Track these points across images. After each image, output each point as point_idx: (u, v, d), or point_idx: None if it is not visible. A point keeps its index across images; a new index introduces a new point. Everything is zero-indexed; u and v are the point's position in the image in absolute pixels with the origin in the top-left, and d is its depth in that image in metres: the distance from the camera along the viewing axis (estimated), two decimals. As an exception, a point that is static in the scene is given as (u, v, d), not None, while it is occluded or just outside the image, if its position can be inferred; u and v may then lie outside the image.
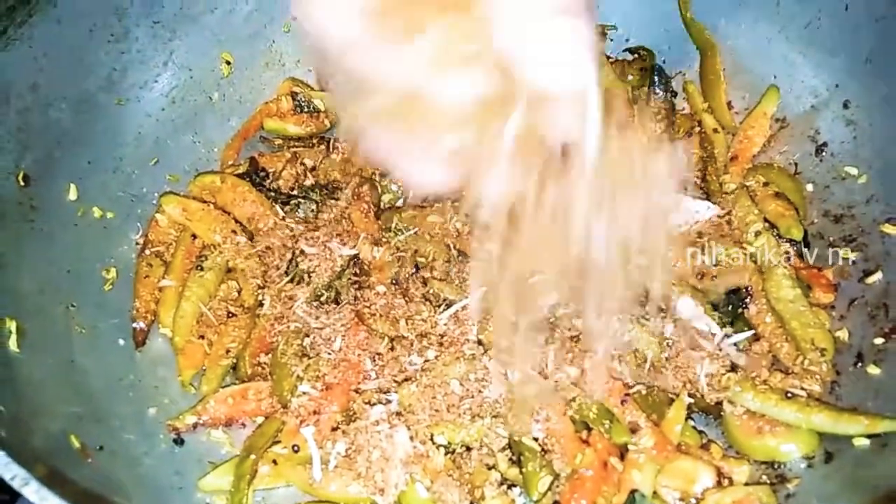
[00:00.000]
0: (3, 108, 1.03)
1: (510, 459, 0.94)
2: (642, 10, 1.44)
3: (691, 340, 1.06)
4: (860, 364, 1.02)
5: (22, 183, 1.05)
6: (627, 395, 0.97)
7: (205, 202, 1.24)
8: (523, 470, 0.92)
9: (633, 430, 0.95)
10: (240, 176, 1.30)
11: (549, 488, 0.91)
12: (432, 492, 0.92)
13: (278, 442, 1.01)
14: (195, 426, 1.05)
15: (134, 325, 1.14)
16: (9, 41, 1.04)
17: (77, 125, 1.17)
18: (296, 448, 0.96)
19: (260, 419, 1.06)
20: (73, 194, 1.15)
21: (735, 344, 1.07)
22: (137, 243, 1.22)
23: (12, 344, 0.92)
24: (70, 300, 1.07)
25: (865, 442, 0.93)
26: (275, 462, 0.99)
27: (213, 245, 1.18)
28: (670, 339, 1.06)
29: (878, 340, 1.03)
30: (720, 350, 1.06)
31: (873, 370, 1.01)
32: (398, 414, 0.99)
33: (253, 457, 0.97)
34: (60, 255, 1.10)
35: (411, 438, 0.95)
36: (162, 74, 1.31)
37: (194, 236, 1.21)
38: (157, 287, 1.17)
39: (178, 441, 1.03)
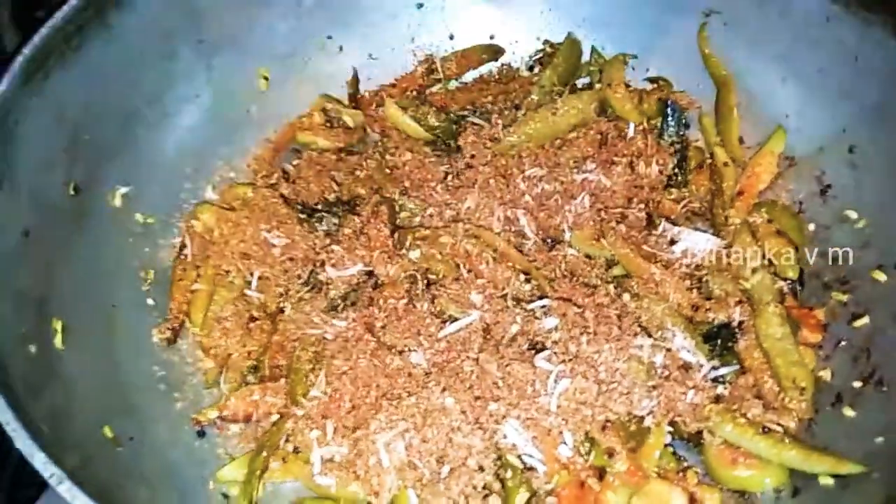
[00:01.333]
0: (57, 126, 1.13)
1: (495, 473, 1.02)
2: (664, 42, 1.49)
3: (679, 371, 1.12)
4: (838, 405, 1.08)
5: (73, 192, 1.16)
6: (609, 421, 1.04)
7: (236, 210, 1.35)
8: (504, 485, 1.00)
9: (610, 454, 1.02)
10: (271, 186, 1.40)
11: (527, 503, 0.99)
12: (422, 499, 1.00)
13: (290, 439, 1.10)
14: (217, 421, 1.15)
15: (167, 324, 1.24)
16: (66, 64, 1.14)
17: (123, 138, 1.28)
18: (297, 450, 1.06)
19: (275, 417, 1.16)
20: (117, 201, 1.26)
21: (720, 377, 1.13)
22: (174, 247, 1.33)
23: (58, 342, 1.03)
24: (111, 300, 1.19)
25: (830, 481, 0.99)
26: (284, 459, 1.09)
27: (241, 253, 1.28)
28: (658, 368, 1.12)
29: (857, 384, 1.08)
30: (706, 382, 1.12)
31: (849, 412, 1.06)
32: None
33: (265, 454, 1.07)
34: (104, 258, 1.21)
35: (406, 449, 1.03)
36: (203, 89, 1.40)
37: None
38: (189, 290, 1.27)
39: (201, 434, 1.14)
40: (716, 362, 1.14)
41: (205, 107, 1.41)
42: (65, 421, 0.94)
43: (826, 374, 1.12)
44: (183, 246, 1.32)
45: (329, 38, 1.53)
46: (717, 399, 1.11)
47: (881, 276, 1.14)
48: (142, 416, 1.10)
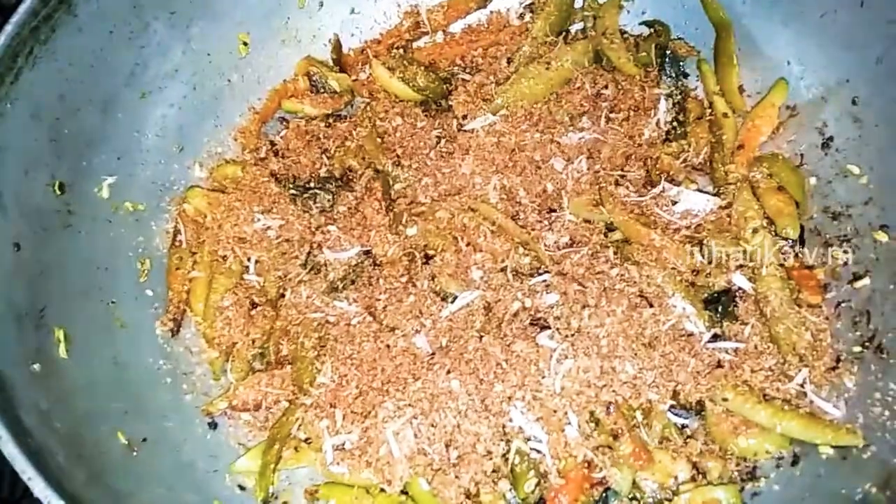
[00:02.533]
0: (35, 124, 1.09)
1: (503, 457, 1.05)
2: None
3: (680, 340, 1.13)
4: (836, 370, 1.09)
5: (58, 192, 1.13)
6: (611, 403, 1.05)
7: (227, 192, 1.32)
8: (514, 470, 1.03)
9: (615, 436, 1.04)
10: (260, 162, 1.37)
11: (535, 488, 1.02)
12: (433, 487, 1.03)
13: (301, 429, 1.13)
14: (227, 411, 1.17)
15: (168, 315, 1.24)
16: (35, 60, 1.09)
17: (104, 124, 1.24)
18: (308, 439, 1.08)
19: (284, 404, 1.18)
20: (105, 193, 1.23)
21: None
22: (168, 233, 1.31)
23: (61, 352, 1.04)
24: (110, 297, 1.18)
25: (830, 451, 1.02)
26: (296, 448, 1.12)
27: (236, 238, 1.27)
28: (661, 338, 1.13)
29: (856, 349, 1.09)
30: (706, 350, 1.13)
31: (848, 379, 1.07)
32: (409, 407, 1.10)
33: (277, 445, 1.09)
34: (98, 254, 1.19)
35: (415, 436, 1.06)
36: (182, 63, 1.34)
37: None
38: (187, 278, 1.27)
39: (212, 425, 1.17)
40: (717, 329, 1.15)
41: (184, 81, 1.36)
42: (78, 438, 0.95)
43: (825, 338, 1.13)
44: (177, 233, 1.30)
45: (304, -5, 1.45)
46: (719, 365, 1.12)
47: (883, 237, 1.13)
48: (153, 414, 1.12)
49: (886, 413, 0.99)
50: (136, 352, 1.17)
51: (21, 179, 1.06)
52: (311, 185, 1.33)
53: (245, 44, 1.42)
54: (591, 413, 1.06)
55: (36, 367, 0.97)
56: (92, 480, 0.87)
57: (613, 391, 1.07)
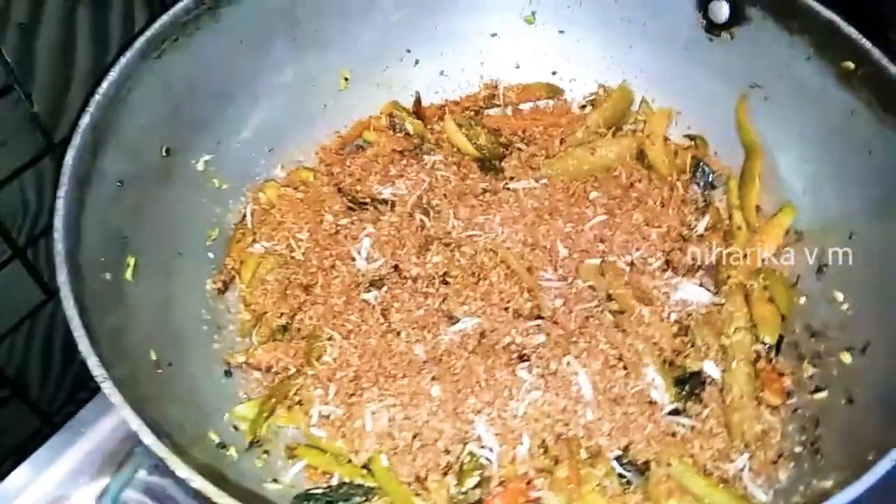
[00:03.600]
0: (162, 98, 1.36)
1: (458, 458, 1.19)
2: (707, 105, 1.59)
3: (644, 404, 1.26)
4: (775, 463, 1.19)
5: (164, 154, 1.38)
6: (563, 434, 1.19)
7: (296, 191, 1.56)
8: (462, 466, 1.17)
9: (556, 461, 1.17)
10: (331, 174, 1.60)
11: (476, 487, 1.15)
12: (391, 464, 1.19)
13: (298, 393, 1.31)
14: (242, 365, 1.37)
15: (221, 276, 1.47)
16: (177, 47, 1.36)
17: (215, 113, 1.49)
18: (300, 402, 1.26)
19: (291, 372, 1.36)
20: (200, 166, 1.48)
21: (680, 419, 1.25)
22: (240, 213, 1.55)
23: (128, 275, 1.26)
24: (179, 248, 1.41)
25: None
26: (289, 408, 1.29)
27: (291, 229, 1.49)
28: (627, 398, 1.26)
29: (798, 448, 1.19)
30: (665, 419, 1.25)
31: (783, 472, 1.17)
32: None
33: (274, 400, 1.27)
34: (180, 212, 1.43)
35: (390, 421, 1.22)
36: (290, 81, 1.61)
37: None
38: (244, 251, 1.49)
39: (228, 373, 1.36)
40: (679, 405, 1.26)
41: (288, 96, 1.61)
42: (120, 339, 1.16)
43: (775, 435, 1.23)
44: (246, 214, 1.53)
45: (408, 51, 1.71)
46: (672, 435, 1.23)
47: (847, 358, 1.24)
48: (183, 349, 1.31)
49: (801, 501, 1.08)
50: (185, 297, 1.39)
51: (139, 135, 1.31)
52: (367, 201, 1.54)
53: (346, 79, 1.68)
54: (543, 441, 1.19)
55: (107, 276, 1.19)
56: (126, 378, 1.06)
57: (568, 427, 1.20)
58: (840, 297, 1.32)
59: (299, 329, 1.41)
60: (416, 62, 1.73)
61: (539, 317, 1.36)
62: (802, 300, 1.38)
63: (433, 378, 1.27)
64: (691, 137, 1.63)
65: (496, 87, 1.75)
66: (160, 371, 1.23)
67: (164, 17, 1.33)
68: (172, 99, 1.38)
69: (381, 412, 1.22)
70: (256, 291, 1.45)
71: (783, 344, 1.34)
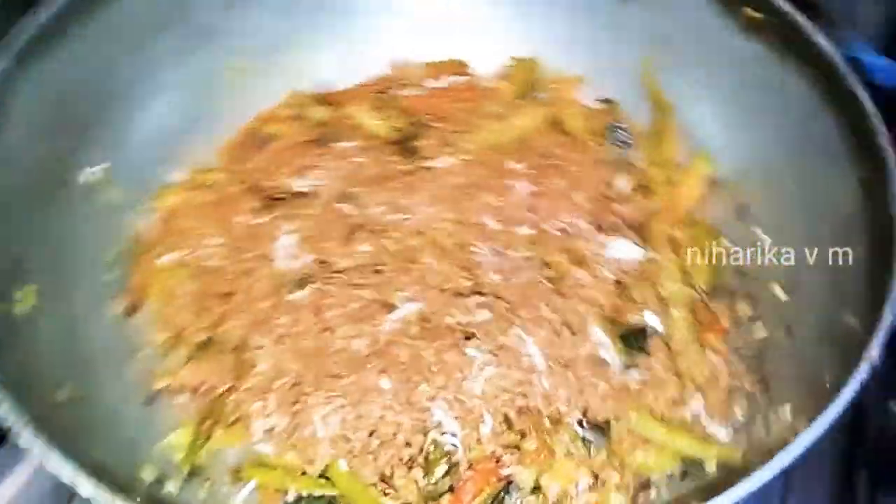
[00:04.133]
0: (42, 107, 1.21)
1: (420, 449, 1.14)
2: (615, 68, 1.59)
3: (594, 366, 1.25)
4: (727, 402, 1.20)
5: (51, 166, 1.25)
6: (524, 406, 1.16)
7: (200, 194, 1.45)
8: (427, 457, 1.12)
9: (523, 435, 1.14)
10: (236, 173, 1.50)
11: (445, 476, 1.10)
12: (351, 467, 1.11)
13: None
14: (165, 389, 1.25)
15: (127, 296, 1.34)
16: (53, 49, 1.22)
17: (100, 119, 1.36)
18: (238, 419, 1.16)
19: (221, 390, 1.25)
20: (91, 178, 1.33)
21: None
22: (140, 225, 1.42)
23: (27, 304, 1.12)
24: (78, 270, 1.27)
25: (713, 468, 1.12)
26: (227, 427, 1.19)
27: (200, 235, 1.38)
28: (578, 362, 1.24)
29: (748, 386, 1.21)
30: (617, 376, 1.24)
31: (738, 409, 1.19)
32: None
33: (209, 422, 1.17)
34: (75, 230, 1.28)
35: (342, 422, 1.14)
36: (179, 77, 1.48)
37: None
38: (150, 265, 1.37)
39: (149, 401, 1.24)
40: (627, 360, 1.26)
41: (179, 94, 1.50)
42: (27, 377, 1.03)
43: (722, 375, 1.25)
44: (147, 224, 1.41)
45: (305, 36, 1.62)
46: (626, 391, 1.23)
47: (780, 294, 1.27)
48: (96, 379, 1.18)
49: (764, 433, 1.10)
50: (92, 323, 1.25)
51: (21, 146, 1.17)
52: (281, 196, 1.45)
53: (240, 70, 1.58)
54: (505, 416, 1.16)
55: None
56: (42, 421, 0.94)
57: (527, 398, 1.17)
58: (763, 235, 1.35)
59: (224, 342, 1.30)
60: (314, 48, 1.64)
61: (478, 293, 1.33)
62: (726, 243, 1.41)
63: (380, 371, 1.21)
64: (604, 101, 1.64)
65: (403, 67, 1.69)
66: (75, 407, 1.10)
67: (37, 16, 1.19)
68: (54, 106, 1.24)
69: (330, 415, 1.15)
70: (170, 308, 1.33)
71: (716, 288, 1.36)
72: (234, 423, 1.21)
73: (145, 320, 1.33)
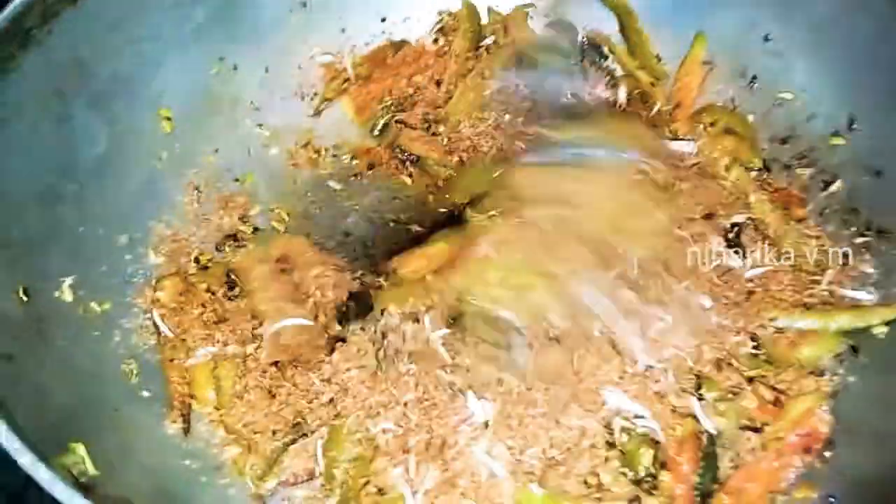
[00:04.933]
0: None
1: (608, 443, 1.00)
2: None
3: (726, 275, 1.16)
4: (848, 265, 1.16)
5: (25, 298, 0.98)
6: (721, 359, 1.06)
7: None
8: (623, 451, 0.98)
9: (735, 393, 1.04)
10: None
11: (653, 461, 0.98)
12: (549, 489, 0.96)
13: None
14: (278, 488, 1.03)
15: (176, 412, 1.08)
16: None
17: (46, 221, 1.10)
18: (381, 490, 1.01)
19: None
20: (67, 295, 1.08)
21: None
22: (142, 329, 1.16)
23: (89, 468, 0.87)
24: (111, 405, 1.03)
25: (883, 329, 1.08)
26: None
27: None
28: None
29: (860, 240, 1.17)
30: (750, 282, 1.16)
31: (866, 267, 1.15)
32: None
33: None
34: (80, 362, 1.04)
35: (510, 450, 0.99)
36: (108, 146, 1.21)
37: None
38: (185, 368, 1.11)
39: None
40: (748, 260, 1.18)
41: (115, 165, 1.23)
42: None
43: (825, 241, 1.20)
44: (157, 325, 1.14)
45: (221, 59, 1.39)
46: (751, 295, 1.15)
47: (839, 141, 1.24)
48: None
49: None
50: (157, 458, 1.00)
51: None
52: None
53: (168, 119, 1.32)
54: (697, 375, 1.04)
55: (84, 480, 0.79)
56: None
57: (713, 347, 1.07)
58: (789, 96, 1.32)
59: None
60: (235, 67, 1.41)
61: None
62: (751, 118, 1.37)
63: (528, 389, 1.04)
64: (556, 25, 1.53)
65: (338, 67, 1.50)
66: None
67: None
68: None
69: (494, 445, 0.98)
70: (238, 408, 1.09)
71: (766, 163, 1.32)
72: (377, 494, 1.01)
73: (210, 430, 1.08)
